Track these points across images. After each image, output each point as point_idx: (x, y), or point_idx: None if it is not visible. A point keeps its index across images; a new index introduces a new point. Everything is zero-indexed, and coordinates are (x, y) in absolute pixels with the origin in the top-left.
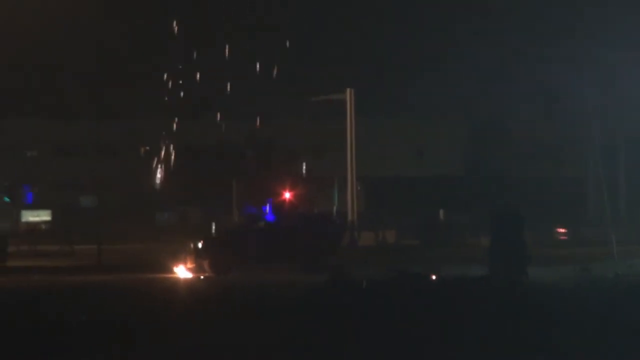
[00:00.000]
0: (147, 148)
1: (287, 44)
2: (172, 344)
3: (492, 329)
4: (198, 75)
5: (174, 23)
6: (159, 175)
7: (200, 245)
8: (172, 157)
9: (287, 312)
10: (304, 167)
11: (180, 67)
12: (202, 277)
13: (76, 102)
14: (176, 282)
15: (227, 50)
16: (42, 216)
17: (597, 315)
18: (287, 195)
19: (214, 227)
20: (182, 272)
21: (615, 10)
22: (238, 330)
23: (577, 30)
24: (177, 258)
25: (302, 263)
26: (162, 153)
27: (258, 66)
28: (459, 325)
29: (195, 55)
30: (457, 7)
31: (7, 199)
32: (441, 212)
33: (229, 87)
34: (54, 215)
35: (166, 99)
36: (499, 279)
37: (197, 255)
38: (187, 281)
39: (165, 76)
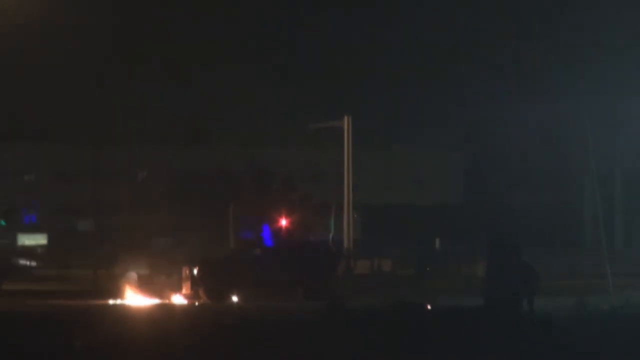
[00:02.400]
0: (145, 173)
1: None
2: None
3: None
4: (196, 102)
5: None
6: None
7: (195, 271)
8: (169, 182)
9: (284, 343)
10: (301, 194)
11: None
12: (197, 303)
13: (74, 127)
14: (172, 309)
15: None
16: (38, 240)
17: (592, 351)
18: (284, 221)
19: (209, 254)
20: (178, 298)
21: (618, 43)
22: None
23: (576, 60)
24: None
25: (298, 290)
26: (159, 179)
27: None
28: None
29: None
30: (456, 37)
31: (3, 223)
32: (437, 241)
33: (226, 113)
34: (50, 239)
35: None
36: (493, 309)
37: (193, 281)
38: (182, 308)
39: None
